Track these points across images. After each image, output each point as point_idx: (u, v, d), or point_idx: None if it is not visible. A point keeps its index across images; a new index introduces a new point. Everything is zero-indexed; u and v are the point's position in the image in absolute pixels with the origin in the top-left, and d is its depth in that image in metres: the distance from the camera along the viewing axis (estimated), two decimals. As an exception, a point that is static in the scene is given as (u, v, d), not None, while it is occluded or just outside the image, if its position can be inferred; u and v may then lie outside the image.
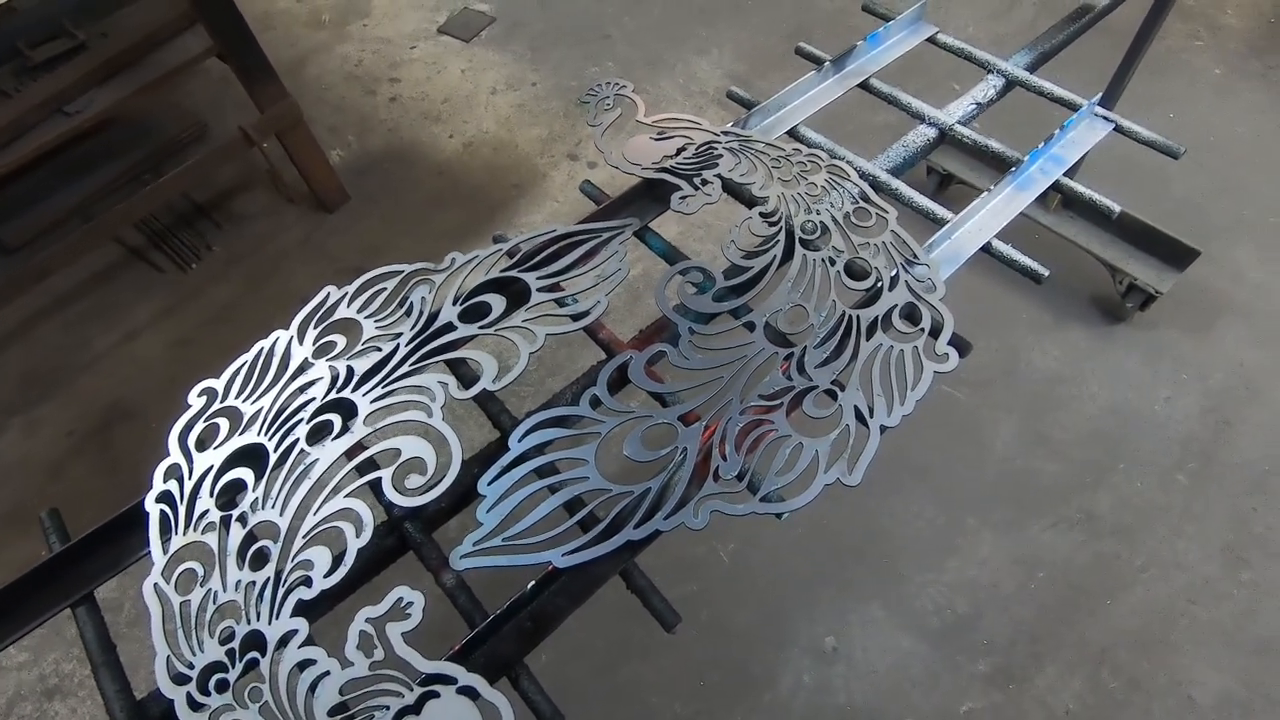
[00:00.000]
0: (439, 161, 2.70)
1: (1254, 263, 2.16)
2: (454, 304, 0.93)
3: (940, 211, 1.02)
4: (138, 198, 2.31)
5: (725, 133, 1.08)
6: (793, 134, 1.16)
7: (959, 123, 1.14)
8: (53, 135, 2.28)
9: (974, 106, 1.17)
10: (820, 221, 0.97)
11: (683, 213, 1.01)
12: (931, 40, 1.26)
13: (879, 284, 0.90)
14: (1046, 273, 0.95)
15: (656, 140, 1.09)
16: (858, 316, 0.88)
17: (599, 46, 3.01)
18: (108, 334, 2.34)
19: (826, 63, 1.18)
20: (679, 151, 1.07)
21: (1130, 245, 2.00)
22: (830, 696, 1.61)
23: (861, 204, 0.98)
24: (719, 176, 1.03)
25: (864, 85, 1.20)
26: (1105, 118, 1.11)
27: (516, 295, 0.94)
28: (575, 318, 0.93)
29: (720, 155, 1.05)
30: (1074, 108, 1.12)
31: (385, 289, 0.96)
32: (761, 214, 0.99)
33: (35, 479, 2.05)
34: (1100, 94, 1.11)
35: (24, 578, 0.79)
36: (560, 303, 0.94)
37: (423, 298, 0.94)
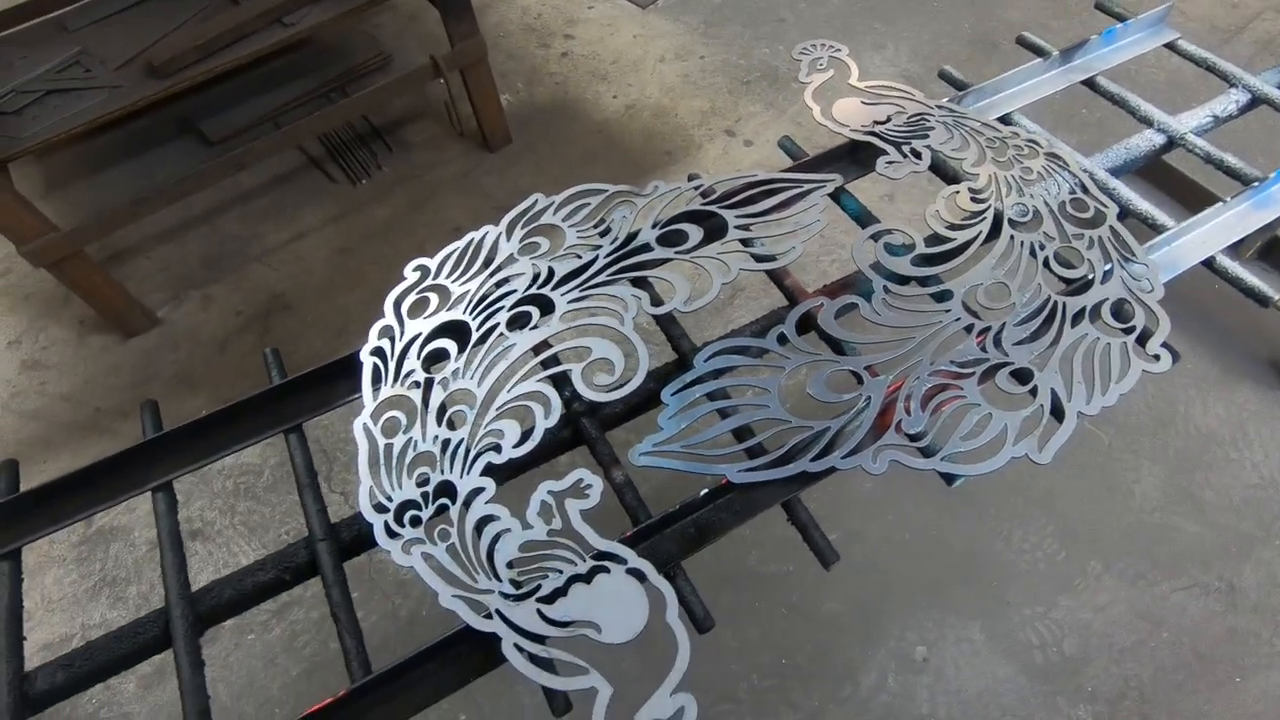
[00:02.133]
0: (599, 120, 2.77)
1: None
2: (653, 228, 0.97)
3: (1161, 218, 0.97)
4: (324, 112, 2.49)
5: (940, 107, 1.06)
6: (1004, 120, 1.13)
7: (1193, 132, 1.07)
8: (267, 43, 2.50)
9: (1210, 119, 1.10)
10: (1033, 206, 0.94)
11: (888, 177, 1.00)
12: (1170, 46, 1.19)
13: (1089, 276, 0.87)
14: (1276, 295, 0.89)
15: (866, 105, 1.09)
16: (1065, 303, 0.85)
17: (772, 29, 3.00)
18: (279, 231, 2.55)
19: (1054, 54, 1.14)
20: (887, 119, 1.07)
21: (1331, 310, 1.82)
22: (912, 705, 1.57)
23: (1080, 195, 0.95)
24: (929, 148, 1.02)
25: (1088, 82, 1.15)
26: (1366, 148, 1.02)
27: (713, 230, 0.97)
28: (765, 260, 0.95)
29: (933, 128, 1.04)
30: (1328, 134, 1.04)
31: (589, 205, 1.00)
32: (971, 190, 0.97)
33: (205, 348, 2.26)
34: (1364, 122, 1.02)
35: (247, 401, 0.89)
36: (749, 244, 0.96)
37: (624, 216, 0.98)
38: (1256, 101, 1.11)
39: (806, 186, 0.99)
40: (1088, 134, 2.40)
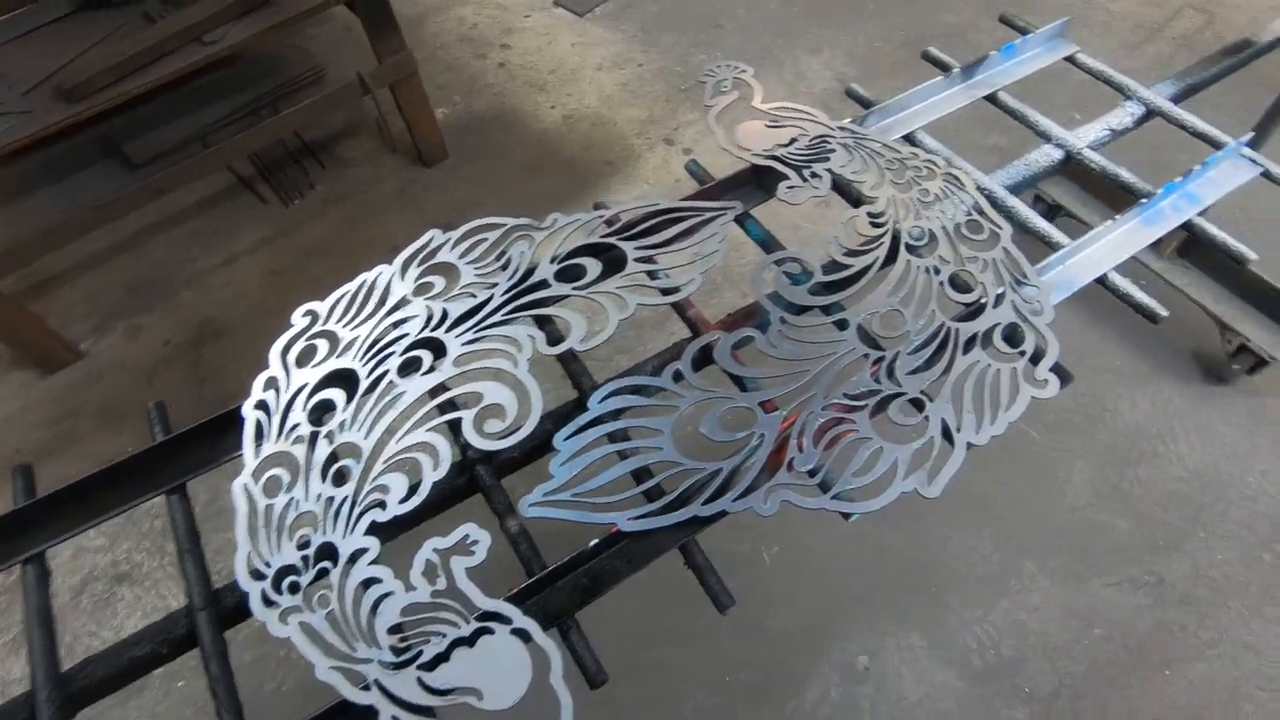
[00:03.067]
0: (538, 130, 2.74)
1: (1384, 342, 1.99)
2: (551, 262, 0.95)
3: (1056, 236, 0.98)
4: (254, 130, 2.43)
5: (841, 128, 1.06)
6: (909, 139, 1.13)
7: (1089, 147, 1.08)
8: (189, 62, 2.42)
9: (1107, 133, 1.12)
10: (929, 229, 0.94)
11: (788, 203, 1.00)
12: (1070, 59, 1.21)
13: (983, 300, 0.88)
14: (1165, 313, 0.90)
15: (769, 128, 1.08)
16: (957, 329, 0.85)
17: (710, 35, 2.99)
18: (209, 256, 2.47)
19: (955, 70, 1.14)
20: (791, 141, 1.06)
21: (1246, 303, 1.88)
22: (855, 716, 1.58)
23: (975, 216, 0.95)
24: (830, 171, 1.02)
25: (991, 98, 1.16)
26: (1252, 160, 1.04)
27: (612, 262, 0.95)
28: (666, 292, 0.93)
29: (833, 150, 1.04)
30: (1218, 146, 1.06)
31: (487, 239, 0.98)
32: (869, 214, 0.97)
33: (131, 380, 2.19)
34: (1250, 134, 1.04)
35: (128, 461, 0.85)
36: (653, 275, 0.95)
37: (521, 252, 0.96)
38: (1150, 114, 1.13)
39: (707, 214, 0.98)
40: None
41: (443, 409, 0.84)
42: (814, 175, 1.01)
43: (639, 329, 2.14)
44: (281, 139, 2.70)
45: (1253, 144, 1.54)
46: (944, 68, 1.17)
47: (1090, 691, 1.58)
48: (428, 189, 2.60)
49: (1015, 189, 1.07)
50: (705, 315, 0.97)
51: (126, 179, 2.38)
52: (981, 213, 0.95)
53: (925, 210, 0.96)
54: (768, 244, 1.02)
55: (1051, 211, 2.18)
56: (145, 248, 2.51)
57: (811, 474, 0.78)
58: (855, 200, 1.02)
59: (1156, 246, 2.02)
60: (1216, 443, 1.86)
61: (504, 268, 0.94)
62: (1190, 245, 1.98)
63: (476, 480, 0.85)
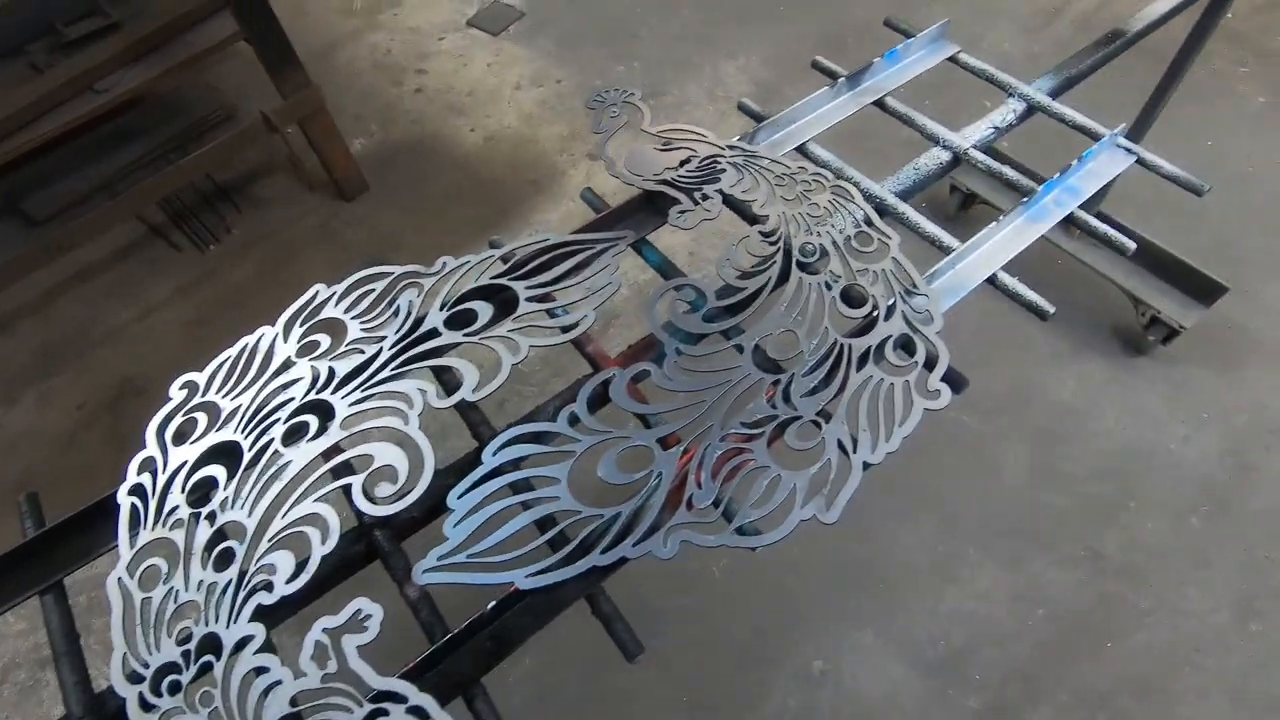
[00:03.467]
0: (459, 155, 2.70)
1: (1287, 301, 2.08)
2: (441, 309, 0.92)
3: (947, 239, 0.99)
4: (161, 176, 2.34)
5: (731, 147, 1.05)
6: (802, 151, 1.13)
7: (975, 147, 1.10)
8: (82, 112, 2.32)
9: (992, 131, 1.14)
10: (820, 244, 0.94)
11: (680, 228, 0.99)
12: (953, 59, 1.23)
13: (875, 313, 0.88)
14: (1052, 310, 0.92)
15: (660, 151, 1.07)
16: (849, 346, 0.85)
17: (626, 46, 2.99)
18: (124, 310, 2.37)
19: (840, 79, 1.15)
20: (682, 164, 1.05)
21: (1155, 277, 1.94)
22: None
23: (864, 228, 0.95)
24: (720, 192, 1.01)
25: (879, 104, 1.17)
26: (1128, 149, 1.07)
27: (505, 303, 0.93)
28: (563, 330, 0.91)
29: (723, 170, 1.03)
30: (1096, 137, 1.08)
31: (374, 290, 0.95)
32: (761, 233, 0.96)
33: (45, 450, 2.08)
34: (1124, 125, 1.07)
35: (-4, 561, 0.79)
36: (551, 313, 0.93)
37: (410, 301, 0.93)
38: (1032, 110, 1.15)
39: (598, 247, 0.96)
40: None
41: (334, 475, 0.81)
42: (704, 197, 1.00)
43: (573, 351, 2.11)
44: (193, 182, 2.60)
45: (1136, 127, 1.58)
46: (832, 76, 1.17)
47: (1040, 673, 1.61)
48: (350, 223, 2.54)
49: (907, 193, 1.08)
50: (605, 350, 0.95)
51: (27, 237, 2.28)
52: (870, 224, 0.95)
53: (816, 225, 0.96)
54: (665, 270, 1.00)
55: (968, 200, 2.22)
56: (55, 307, 2.40)
57: (716, 506, 0.76)
58: (752, 219, 1.02)
59: (1066, 227, 2.07)
60: (1140, 413, 1.92)
61: (394, 317, 0.91)
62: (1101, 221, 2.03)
63: (374, 546, 0.82)
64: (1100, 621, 1.66)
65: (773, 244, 0.95)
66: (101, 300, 2.41)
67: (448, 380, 0.89)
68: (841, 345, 0.85)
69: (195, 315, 2.34)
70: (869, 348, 0.85)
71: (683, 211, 0.99)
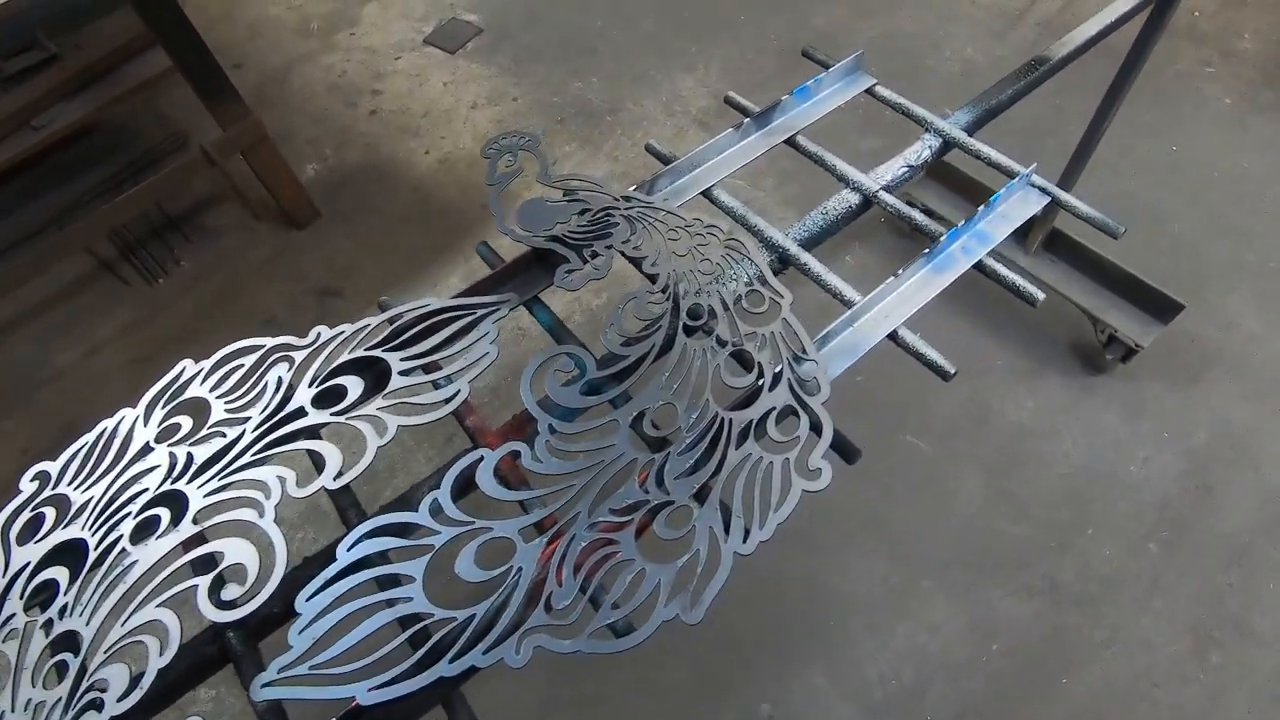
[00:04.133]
0: (413, 178, 2.65)
1: (1250, 312, 2.03)
2: (310, 385, 0.88)
3: (848, 293, 0.94)
4: (108, 208, 2.30)
5: (626, 198, 1.01)
6: (707, 196, 1.08)
7: (885, 189, 1.05)
8: (24, 147, 2.28)
9: (905, 170, 1.09)
10: (709, 305, 0.90)
11: (566, 289, 0.94)
12: (870, 93, 1.18)
13: (760, 382, 0.83)
14: (954, 370, 0.87)
15: (556, 204, 1.03)
16: (730, 420, 0.80)
17: (583, 62, 2.94)
18: (71, 349, 2.33)
19: (746, 120, 1.10)
20: (578, 215, 1.01)
21: (1112, 294, 1.89)
22: (762, 767, 1.54)
23: (756, 287, 0.91)
24: (611, 249, 0.96)
25: (790, 143, 1.12)
26: (1042, 189, 1.02)
27: (379, 376, 0.89)
28: (444, 401, 0.87)
29: (616, 224, 0.98)
30: (1011, 175, 1.03)
31: (244, 365, 0.91)
32: (649, 293, 0.92)
33: (-13, 496, 2.04)
34: (1035, 165, 1.02)
35: None
36: (437, 384, 0.88)
37: (279, 377, 0.89)
38: (949, 145, 1.10)
39: (480, 311, 0.92)
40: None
41: (183, 574, 0.77)
42: (594, 255, 0.95)
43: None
44: (144, 213, 2.56)
45: (1088, 135, 1.53)
46: (744, 113, 1.13)
47: (992, 711, 1.56)
48: (302, 252, 2.49)
49: (814, 240, 1.03)
50: (487, 424, 0.90)
51: (-32, 278, 2.24)
52: (764, 281, 0.91)
53: (708, 283, 0.92)
54: (556, 333, 0.96)
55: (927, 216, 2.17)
56: (5, 346, 2.36)
57: (583, 592, 0.72)
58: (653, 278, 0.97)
59: (1022, 241, 2.02)
60: (1099, 434, 1.87)
61: (259, 397, 0.87)
62: (1056, 239, 1.98)
63: (227, 648, 0.77)
64: (1056, 655, 1.62)
65: (659, 305, 0.90)
66: (48, 340, 2.38)
67: (320, 462, 0.85)
68: (722, 419, 0.80)
69: (141, 353, 2.30)
70: (751, 421, 0.80)
71: (570, 271, 0.94)
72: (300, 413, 0.86)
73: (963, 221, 0.97)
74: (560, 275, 0.94)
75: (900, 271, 0.93)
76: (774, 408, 0.81)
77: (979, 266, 0.97)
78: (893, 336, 0.91)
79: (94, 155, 2.67)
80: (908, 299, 0.94)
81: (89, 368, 2.28)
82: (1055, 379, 1.97)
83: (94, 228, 2.34)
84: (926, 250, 0.95)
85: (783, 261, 1.01)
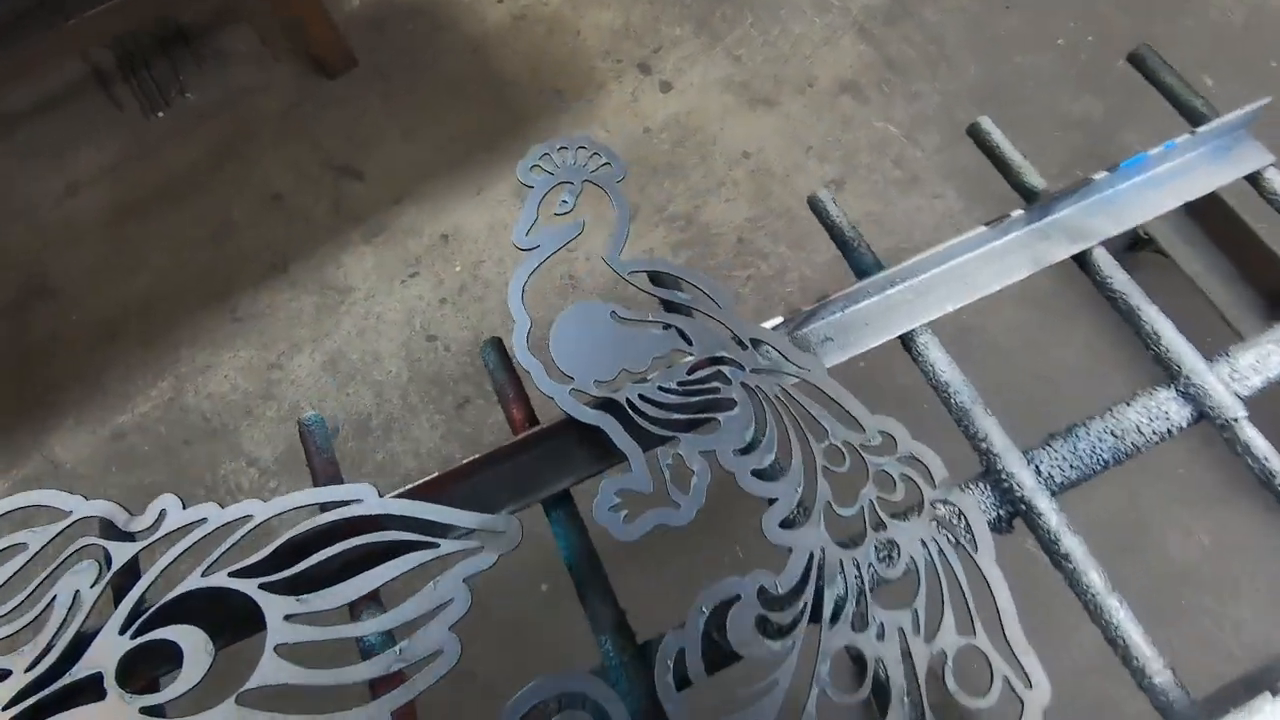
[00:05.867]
0: (477, 35, 2.07)
1: None
2: (123, 631, 0.49)
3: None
4: (116, 4, 1.82)
5: (756, 342, 0.53)
6: (909, 346, 0.60)
7: (1245, 399, 0.55)
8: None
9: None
10: (849, 588, 0.45)
11: (616, 536, 0.50)
12: (1254, 181, 0.63)
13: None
14: None
15: (629, 321, 0.56)
16: None
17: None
18: (50, 177, 1.96)
19: (1015, 212, 0.58)
20: (663, 356, 0.54)
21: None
22: None
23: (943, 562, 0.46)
24: (708, 464, 0.51)
25: (1085, 261, 0.60)
26: None
27: (244, 621, 0.49)
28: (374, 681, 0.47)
29: (729, 404, 0.52)
30: None
31: (26, 549, 0.51)
32: (769, 591, 0.48)
33: (-61, 348, 1.78)
34: None
35: None
36: (369, 648, 0.49)
37: (76, 593, 0.50)
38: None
39: (446, 548, 0.49)
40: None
41: None
42: (675, 466, 0.50)
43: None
44: (156, 20, 2.07)
45: None
46: (1029, 197, 0.60)
47: None
48: (324, 108, 2.00)
49: (1081, 479, 0.56)
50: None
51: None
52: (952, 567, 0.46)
53: (865, 566, 0.47)
54: (581, 574, 0.53)
55: (1138, 242, 1.58)
56: (-31, 163, 2.00)
57: None
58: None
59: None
60: (1289, 604, 1.41)
61: (35, 627, 0.49)
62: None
63: None
64: None
65: (787, 616, 0.47)
66: (29, 157, 2.00)
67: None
68: None
69: (124, 201, 1.92)
70: None
71: (621, 495, 0.50)
72: (95, 685, 0.47)
73: None
74: (606, 501, 0.50)
75: None
76: None
77: None
78: None
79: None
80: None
81: (64, 211, 1.92)
82: (1251, 513, 1.47)
83: (98, 26, 1.87)
84: None
85: (1012, 515, 0.55)
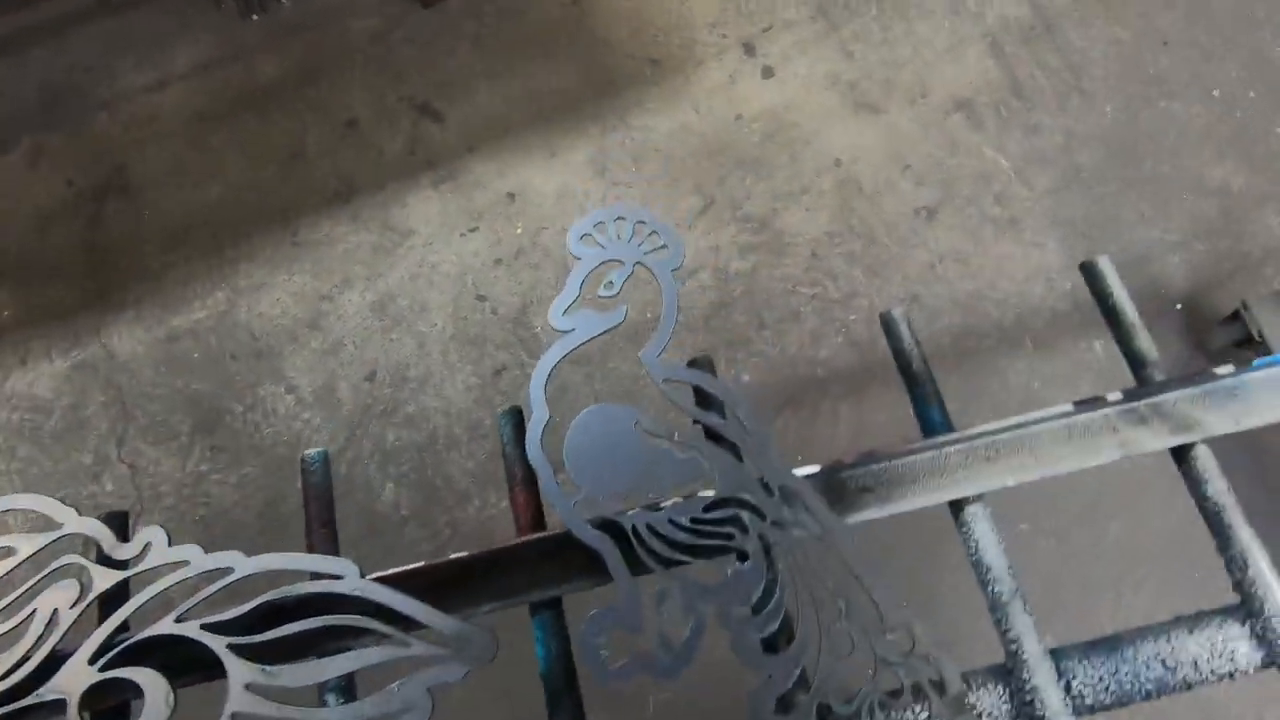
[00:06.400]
0: (582, -19, 1.97)
1: None
2: (93, 662, 0.48)
3: None
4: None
5: (785, 492, 0.48)
6: (958, 514, 0.54)
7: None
8: None
9: None
10: None
11: (597, 682, 0.47)
12: None
13: None
14: None
15: (656, 446, 0.51)
16: None
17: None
18: (138, 71, 1.97)
19: (1109, 404, 0.50)
20: (680, 482, 0.50)
21: None
22: None
23: None
24: (702, 614, 0.46)
25: (1184, 456, 0.53)
26: None
27: (208, 665, 0.48)
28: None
29: (742, 555, 0.47)
30: None
31: (16, 552, 0.51)
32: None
33: (23, 223, 1.84)
34: None
35: None
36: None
37: (55, 610, 0.50)
38: None
39: (416, 649, 0.47)
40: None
41: None
42: (667, 601, 0.46)
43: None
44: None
45: None
46: (1136, 363, 0.52)
47: None
48: (411, 41, 1.94)
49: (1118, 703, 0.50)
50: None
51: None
52: None
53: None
54: (553, 687, 0.51)
55: (1245, 341, 1.43)
56: (69, 41, 2.02)
57: None
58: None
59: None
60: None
61: (14, 634, 0.49)
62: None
63: None
64: None
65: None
66: (119, 49, 2.01)
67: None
68: None
69: (209, 105, 1.92)
70: None
71: (604, 632, 0.46)
72: (59, 708, 0.48)
73: None
74: (592, 633, 0.47)
75: None
76: None
77: None
78: None
79: None
80: None
81: (152, 103, 1.93)
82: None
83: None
84: None
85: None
